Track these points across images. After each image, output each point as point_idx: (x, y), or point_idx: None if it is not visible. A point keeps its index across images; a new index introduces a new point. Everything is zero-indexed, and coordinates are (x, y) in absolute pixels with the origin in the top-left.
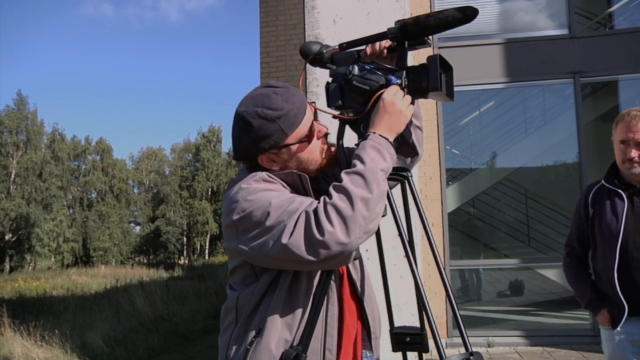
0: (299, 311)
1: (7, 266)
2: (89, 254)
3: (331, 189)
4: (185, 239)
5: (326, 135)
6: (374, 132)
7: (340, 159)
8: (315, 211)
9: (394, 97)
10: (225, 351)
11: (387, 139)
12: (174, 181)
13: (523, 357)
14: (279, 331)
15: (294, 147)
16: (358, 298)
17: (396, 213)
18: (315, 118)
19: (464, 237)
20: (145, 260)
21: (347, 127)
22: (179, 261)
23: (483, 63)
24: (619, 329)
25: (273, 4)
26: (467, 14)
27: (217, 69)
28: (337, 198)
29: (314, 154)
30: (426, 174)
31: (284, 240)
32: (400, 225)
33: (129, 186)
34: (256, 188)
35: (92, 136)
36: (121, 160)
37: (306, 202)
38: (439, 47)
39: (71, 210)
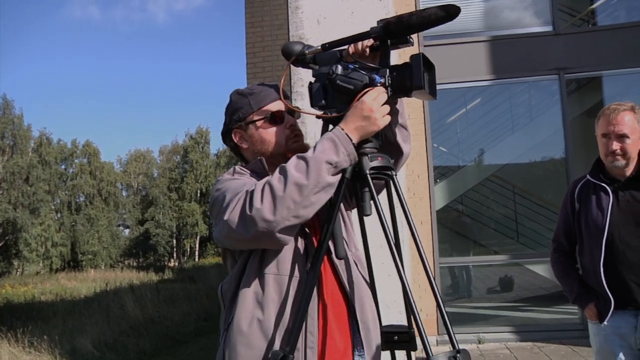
0: (270, 290)
1: None
2: (78, 258)
3: (277, 168)
4: (174, 241)
5: (294, 126)
6: (340, 127)
7: None
8: (253, 191)
9: (373, 102)
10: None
11: (350, 138)
12: (163, 183)
13: (513, 353)
14: (251, 311)
15: (258, 124)
16: (348, 298)
17: (381, 212)
18: (293, 115)
19: (453, 234)
20: (134, 264)
21: (331, 127)
22: (169, 263)
23: (468, 61)
24: (606, 322)
25: (258, 4)
26: (450, 12)
27: (205, 70)
28: (275, 177)
29: (278, 137)
30: (414, 172)
31: (225, 217)
32: (385, 224)
33: (118, 189)
34: (225, 178)
35: (79, 139)
36: (109, 163)
37: (254, 183)
38: (424, 46)
39: (59, 214)
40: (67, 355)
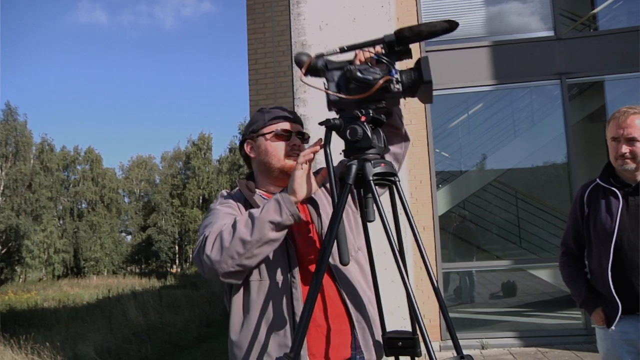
0: (254, 295)
1: None
2: (80, 264)
3: (236, 218)
4: (177, 247)
5: (296, 146)
6: (285, 191)
7: (327, 165)
8: (207, 236)
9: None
10: None
11: (292, 200)
12: (165, 190)
13: (517, 358)
14: (240, 316)
15: (267, 137)
16: (345, 302)
17: (384, 218)
18: (303, 138)
19: (455, 239)
20: (137, 270)
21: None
22: (171, 270)
23: (470, 66)
24: (613, 327)
25: (260, 10)
26: (452, 26)
27: (207, 76)
28: (226, 229)
29: (275, 152)
30: (416, 177)
31: (193, 254)
32: (389, 230)
33: (120, 195)
34: (211, 208)
35: (80, 146)
36: (111, 170)
37: (215, 224)
38: (426, 51)
39: (61, 221)
40: None
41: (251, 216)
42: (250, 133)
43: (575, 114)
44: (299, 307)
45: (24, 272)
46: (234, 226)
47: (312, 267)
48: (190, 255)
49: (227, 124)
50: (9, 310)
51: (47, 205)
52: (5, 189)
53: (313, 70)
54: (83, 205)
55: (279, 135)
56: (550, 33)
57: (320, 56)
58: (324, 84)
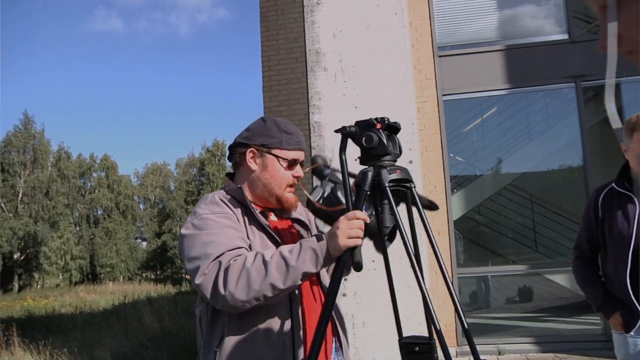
0: (253, 317)
1: (16, 285)
2: (97, 271)
3: (262, 254)
4: None
5: (297, 179)
6: (325, 240)
7: (342, 173)
8: (228, 268)
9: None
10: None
11: (330, 253)
12: (180, 196)
13: None
14: (241, 325)
15: (276, 160)
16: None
17: (400, 224)
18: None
19: (470, 244)
20: (152, 276)
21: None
22: (186, 276)
23: (484, 70)
24: (632, 333)
25: (273, 18)
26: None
27: (221, 82)
28: (255, 268)
29: (281, 180)
30: (430, 182)
31: (197, 280)
32: (405, 236)
33: (135, 202)
34: (201, 215)
35: (96, 153)
36: (126, 177)
37: (223, 247)
38: (439, 56)
39: (78, 228)
40: None
41: (285, 260)
42: (261, 145)
43: (590, 117)
44: (298, 323)
45: (41, 278)
46: (265, 265)
47: (308, 283)
48: None
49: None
50: (28, 316)
51: (64, 212)
52: (24, 196)
53: (318, 172)
54: (99, 212)
55: (291, 165)
56: (565, 36)
57: (328, 167)
58: (312, 189)
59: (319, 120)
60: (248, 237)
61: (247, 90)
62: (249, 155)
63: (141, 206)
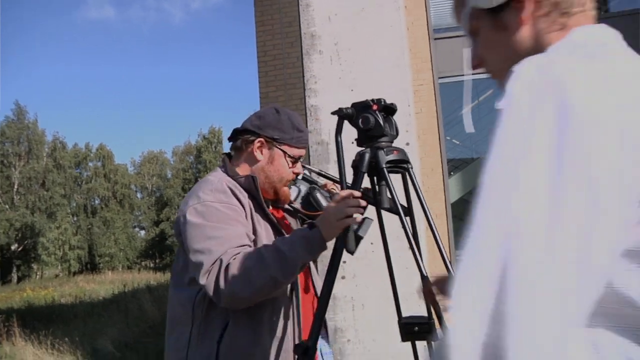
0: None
1: (15, 276)
2: (95, 260)
3: (259, 249)
4: None
5: (295, 174)
6: (319, 228)
7: (338, 155)
8: (228, 267)
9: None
10: (185, 350)
11: (324, 239)
12: (177, 184)
13: None
14: (247, 314)
15: (284, 155)
16: (316, 294)
17: (398, 205)
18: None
19: (468, 227)
20: (151, 264)
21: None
22: None
23: None
24: None
25: (267, 2)
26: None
27: (216, 70)
28: (254, 264)
29: (284, 174)
30: (427, 165)
31: (202, 281)
32: (403, 217)
33: (132, 191)
34: (207, 202)
35: (92, 143)
36: (123, 166)
37: (227, 244)
38: (435, 39)
39: (75, 218)
40: (89, 356)
41: (282, 253)
42: (272, 137)
43: None
44: (299, 312)
45: (40, 269)
46: (263, 260)
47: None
48: None
49: (237, 117)
50: (28, 306)
51: (61, 203)
52: (20, 187)
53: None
54: (96, 202)
55: (294, 161)
56: None
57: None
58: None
59: (315, 104)
60: (254, 228)
61: (242, 77)
62: (256, 144)
63: (138, 195)
